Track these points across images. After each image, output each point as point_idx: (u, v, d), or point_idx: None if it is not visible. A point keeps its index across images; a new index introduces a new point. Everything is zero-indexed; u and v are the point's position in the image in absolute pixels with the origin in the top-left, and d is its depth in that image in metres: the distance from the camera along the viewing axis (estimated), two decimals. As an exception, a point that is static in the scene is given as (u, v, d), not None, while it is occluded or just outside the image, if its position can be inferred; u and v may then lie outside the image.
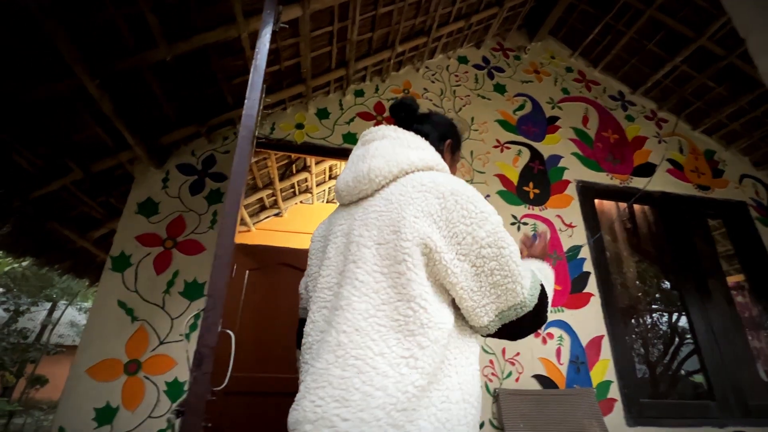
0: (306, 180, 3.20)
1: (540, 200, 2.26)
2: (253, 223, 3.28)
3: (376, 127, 0.80)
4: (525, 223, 2.16)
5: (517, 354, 1.82)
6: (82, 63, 1.20)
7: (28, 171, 1.51)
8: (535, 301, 0.63)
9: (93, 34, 1.22)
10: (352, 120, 2.21)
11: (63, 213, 1.83)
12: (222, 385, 0.75)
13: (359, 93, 2.30)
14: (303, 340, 0.69)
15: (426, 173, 0.68)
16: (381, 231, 0.64)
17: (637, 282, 2.83)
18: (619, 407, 1.81)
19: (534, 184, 2.30)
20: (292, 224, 3.41)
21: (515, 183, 2.27)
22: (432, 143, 0.78)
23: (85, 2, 1.13)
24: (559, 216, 2.23)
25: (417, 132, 0.79)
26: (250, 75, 0.98)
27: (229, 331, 0.80)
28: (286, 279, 3.20)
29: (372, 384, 0.54)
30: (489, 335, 0.64)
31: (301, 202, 3.52)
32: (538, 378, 1.79)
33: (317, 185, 3.37)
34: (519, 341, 1.84)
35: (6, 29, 1.09)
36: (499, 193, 2.21)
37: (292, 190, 3.23)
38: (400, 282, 0.59)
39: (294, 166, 2.86)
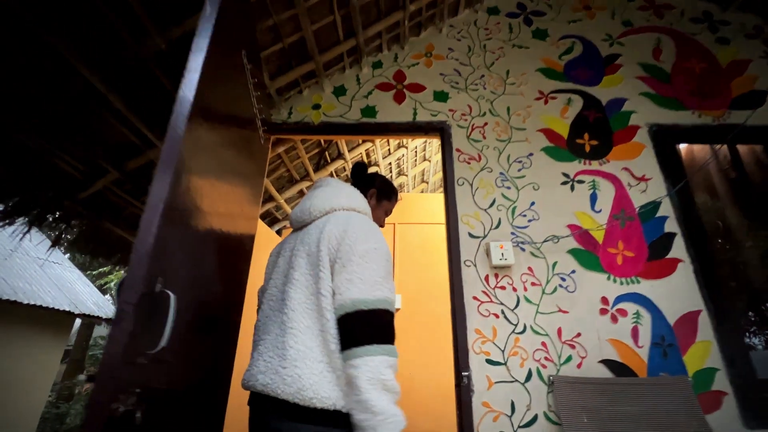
0: (344, 169, 3.15)
1: (599, 153, 1.87)
2: (299, 218, 3.33)
3: (324, 178, 1.17)
4: (581, 181, 1.80)
5: (578, 335, 1.50)
6: (82, 61, 1.27)
7: (72, 175, 1.67)
8: (375, 306, 0.86)
9: (90, 32, 1.28)
10: (370, 93, 2.08)
11: (115, 214, 2.01)
12: (156, 348, 0.68)
13: (377, 64, 2.17)
14: (255, 324, 1.06)
15: (347, 212, 1.03)
16: (310, 246, 0.95)
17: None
18: (730, 403, 1.38)
19: (590, 135, 1.92)
20: (337, 216, 3.39)
21: (565, 136, 1.92)
22: (363, 192, 1.20)
23: (75, 3, 1.18)
24: (626, 169, 1.82)
25: (358, 186, 1.20)
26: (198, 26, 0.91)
27: (169, 292, 0.72)
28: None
29: (304, 344, 0.86)
30: (341, 324, 0.86)
31: (344, 193, 3.49)
32: (608, 364, 1.45)
33: (357, 174, 3.31)
34: (579, 319, 1.52)
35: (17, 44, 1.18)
36: (545, 150, 1.88)
37: (332, 181, 3.22)
38: (317, 280, 0.90)
39: (327, 154, 2.83)
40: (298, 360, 0.82)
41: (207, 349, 1.13)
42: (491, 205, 1.77)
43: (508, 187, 1.80)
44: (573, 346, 1.48)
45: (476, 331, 1.52)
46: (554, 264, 1.63)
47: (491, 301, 1.57)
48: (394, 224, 3.31)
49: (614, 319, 1.52)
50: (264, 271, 1.16)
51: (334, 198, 1.05)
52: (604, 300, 1.56)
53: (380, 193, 1.27)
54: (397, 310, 2.92)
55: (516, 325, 1.52)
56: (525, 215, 1.74)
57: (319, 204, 1.03)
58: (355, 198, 1.09)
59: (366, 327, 0.83)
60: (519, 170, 1.84)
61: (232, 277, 1.52)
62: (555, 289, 1.58)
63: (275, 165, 2.53)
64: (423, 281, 3.03)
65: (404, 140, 3.34)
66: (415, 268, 3.08)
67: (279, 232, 3.27)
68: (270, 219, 3.09)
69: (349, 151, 2.90)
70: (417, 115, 2.01)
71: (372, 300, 0.85)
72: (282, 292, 0.95)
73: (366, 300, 0.85)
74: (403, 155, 3.53)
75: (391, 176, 3.76)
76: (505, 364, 1.46)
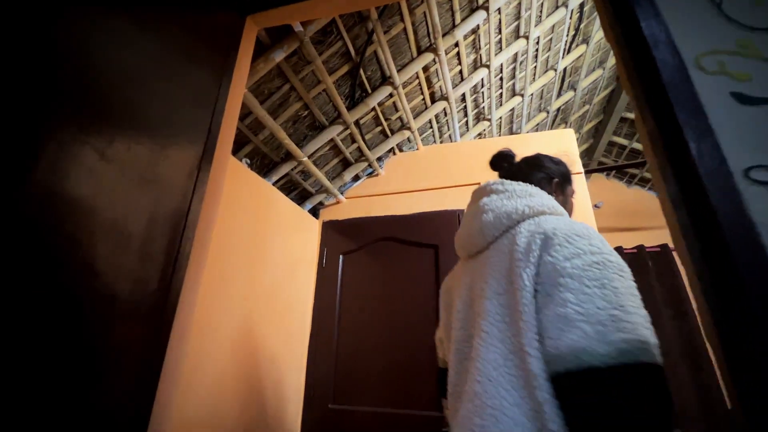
0: (394, 105, 2.13)
1: None
2: (341, 191, 2.39)
3: (484, 184, 0.85)
4: None
5: None
6: None
7: None
8: (620, 360, 0.49)
9: None
10: None
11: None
12: None
13: None
14: (448, 390, 0.75)
15: (535, 219, 0.70)
16: (498, 282, 0.67)
17: None
18: None
19: None
20: (393, 183, 2.38)
21: None
22: (542, 186, 0.81)
23: None
24: None
25: (523, 179, 0.84)
26: None
27: None
28: (395, 259, 2.18)
29: None
30: (559, 389, 0.53)
31: (399, 149, 2.47)
32: None
33: (415, 116, 2.26)
34: None
35: None
36: None
37: (380, 129, 2.21)
38: (516, 332, 0.60)
39: (364, 76, 1.82)
40: None
41: None
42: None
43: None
44: None
45: None
46: None
47: None
48: (479, 185, 2.20)
49: None
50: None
51: (509, 205, 0.74)
52: None
53: (561, 180, 0.89)
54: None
55: None
56: None
57: (491, 219, 0.74)
58: (536, 196, 0.75)
59: (607, 400, 0.47)
60: None
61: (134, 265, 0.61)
62: None
63: (282, 96, 1.62)
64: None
65: (483, 54, 2.20)
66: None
67: (314, 212, 2.38)
68: (299, 193, 2.20)
69: (398, 70, 1.87)
70: None
71: (607, 351, 0.49)
72: (468, 348, 0.69)
73: (595, 352, 0.49)
74: (482, 80, 2.39)
75: (467, 120, 2.64)
76: None
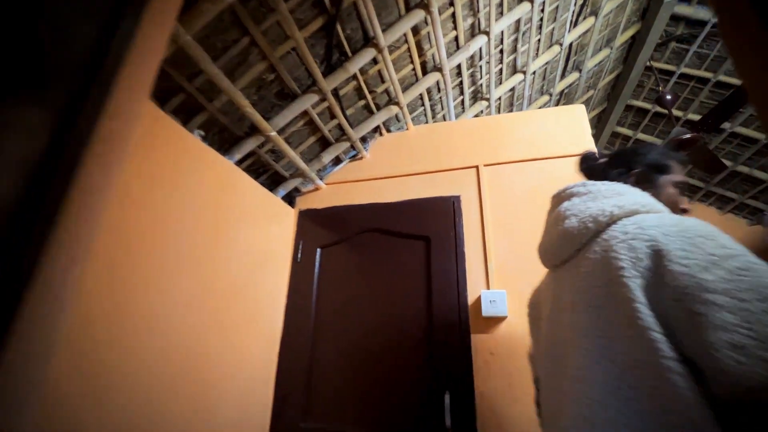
0: (379, 74, 1.85)
1: None
2: (320, 175, 2.11)
3: (564, 187, 0.79)
4: None
5: None
6: None
7: None
8: None
9: None
10: None
11: None
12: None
13: None
14: (542, 410, 0.75)
15: (630, 219, 0.62)
16: (593, 294, 0.60)
17: None
18: None
19: None
20: (379, 167, 2.11)
21: None
22: (628, 182, 0.75)
23: None
24: None
25: (599, 179, 0.78)
26: None
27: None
28: (381, 252, 1.90)
29: None
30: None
31: (386, 129, 2.19)
32: None
33: (404, 88, 1.98)
34: None
35: None
36: None
37: (363, 103, 1.93)
38: (635, 347, 0.52)
39: (342, 33, 1.54)
40: None
41: None
42: None
43: None
44: None
45: None
46: None
47: None
48: (477, 167, 1.93)
49: None
50: None
51: (594, 207, 0.67)
52: None
53: (649, 169, 0.77)
54: (503, 318, 1.58)
55: None
56: None
57: (575, 224, 0.68)
58: (626, 194, 0.67)
59: None
60: None
61: None
62: None
63: (240, 52, 1.34)
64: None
65: (482, 18, 1.94)
66: (525, 240, 1.68)
67: (290, 200, 2.09)
68: (270, 177, 1.92)
69: (384, 30, 1.60)
70: None
71: None
72: (565, 366, 0.62)
73: None
74: (480, 50, 2.12)
75: (463, 99, 2.37)
76: None
